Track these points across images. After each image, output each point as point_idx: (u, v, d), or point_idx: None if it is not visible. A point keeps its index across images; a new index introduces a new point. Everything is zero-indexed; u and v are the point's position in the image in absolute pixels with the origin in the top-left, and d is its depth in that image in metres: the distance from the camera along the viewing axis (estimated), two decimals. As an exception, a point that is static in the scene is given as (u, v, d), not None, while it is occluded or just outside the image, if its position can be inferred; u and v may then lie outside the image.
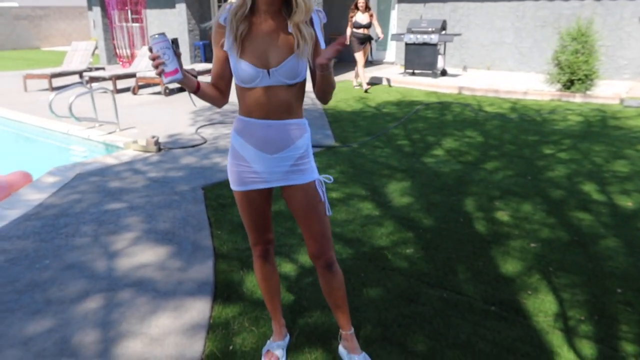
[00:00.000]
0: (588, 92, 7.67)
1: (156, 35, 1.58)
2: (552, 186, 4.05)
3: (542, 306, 2.43)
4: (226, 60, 1.77)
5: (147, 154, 5.15)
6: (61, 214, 3.60)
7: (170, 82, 1.60)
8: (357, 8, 8.66)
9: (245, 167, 1.84)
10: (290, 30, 1.70)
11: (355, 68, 9.19)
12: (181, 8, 12.73)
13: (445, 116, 6.89)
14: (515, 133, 5.83)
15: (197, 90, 1.74)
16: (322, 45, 1.77)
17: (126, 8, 13.62)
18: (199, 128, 6.34)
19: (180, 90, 9.58)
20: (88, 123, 6.38)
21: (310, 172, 1.85)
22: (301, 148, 1.83)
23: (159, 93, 9.24)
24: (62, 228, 3.35)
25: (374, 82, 10.11)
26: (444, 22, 10.20)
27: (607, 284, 2.62)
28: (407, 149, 5.26)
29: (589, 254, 2.93)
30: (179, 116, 7.14)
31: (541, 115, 6.79)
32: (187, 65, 12.27)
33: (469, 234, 3.20)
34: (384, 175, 4.39)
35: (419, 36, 10.12)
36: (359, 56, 8.85)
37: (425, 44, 10.10)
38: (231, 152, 1.88)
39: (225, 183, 4.24)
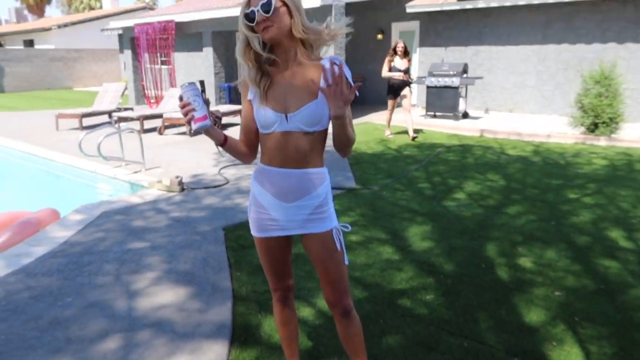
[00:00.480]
0: (613, 135, 7.58)
1: (186, 84, 1.67)
2: (577, 232, 3.96)
3: (568, 358, 2.35)
4: (252, 112, 1.82)
5: (171, 194, 5.25)
6: (85, 251, 3.66)
7: (199, 128, 1.66)
8: (395, 53, 8.19)
9: (264, 214, 1.86)
10: (311, 75, 1.75)
11: (387, 114, 8.67)
12: (208, 52, 13.20)
13: (467, 159, 6.87)
14: (538, 177, 5.77)
15: (224, 143, 1.79)
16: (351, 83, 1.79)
17: (156, 51, 14.18)
18: (221, 169, 6.45)
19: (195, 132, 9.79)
20: (115, 162, 6.56)
21: (329, 221, 1.86)
22: (319, 197, 1.84)
23: (183, 133, 9.48)
24: (85, 266, 3.40)
25: (395, 124, 10.20)
26: (465, 65, 10.33)
27: (637, 336, 2.52)
28: (428, 192, 5.24)
29: (617, 303, 2.83)
30: (203, 157, 7.29)
31: (565, 158, 6.72)
32: (213, 106, 12.61)
33: (490, 280, 3.14)
34: (405, 218, 4.37)
35: (440, 79, 10.26)
36: (392, 104, 8.46)
37: (446, 86, 10.22)
38: (251, 199, 1.92)
39: (246, 224, 4.25)
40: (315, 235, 1.85)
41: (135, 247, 3.74)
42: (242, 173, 6.19)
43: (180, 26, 13.48)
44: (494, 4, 10.61)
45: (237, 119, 11.08)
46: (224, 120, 10.47)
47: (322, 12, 10.32)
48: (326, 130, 1.81)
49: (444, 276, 3.22)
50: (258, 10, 1.66)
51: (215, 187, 5.55)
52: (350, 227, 1.88)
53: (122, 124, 9.52)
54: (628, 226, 4.06)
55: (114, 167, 6.48)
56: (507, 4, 10.43)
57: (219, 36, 13.35)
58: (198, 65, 17.17)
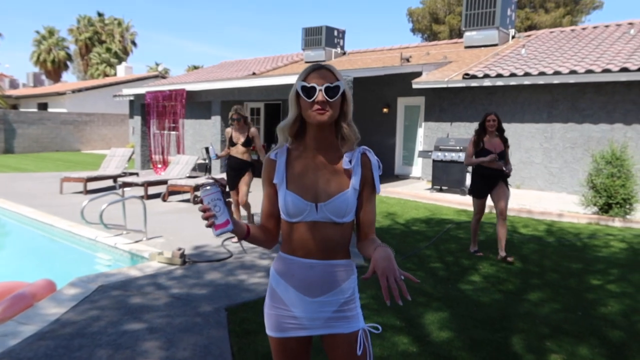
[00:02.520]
0: (628, 217, 7.40)
1: (208, 187, 1.54)
2: (608, 325, 3.68)
3: None
4: (276, 196, 1.68)
5: (172, 267, 5.00)
6: (77, 333, 3.38)
7: (221, 234, 1.55)
8: (484, 130, 5.44)
9: (283, 311, 1.66)
10: (344, 165, 1.63)
11: (472, 222, 5.83)
12: (216, 120, 13.37)
13: (478, 237, 6.65)
14: (555, 259, 5.53)
15: (247, 235, 1.63)
16: (378, 188, 1.67)
17: (165, 117, 14.38)
18: (224, 240, 6.24)
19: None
20: (116, 230, 6.36)
21: (356, 320, 1.66)
22: (347, 292, 1.66)
23: (187, 201, 9.34)
24: (75, 351, 3.11)
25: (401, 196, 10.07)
26: (472, 141, 10.36)
27: None
28: (441, 273, 4.99)
29: (667, 417, 2.52)
30: (202, 227, 7.09)
31: (581, 239, 6.50)
32: (217, 174, 12.58)
33: (521, 383, 2.84)
34: (420, 303, 4.10)
35: (446, 154, 10.27)
36: (480, 205, 5.68)
37: (452, 161, 10.21)
38: (269, 294, 1.72)
39: (250, 305, 4.01)
40: (340, 337, 1.64)
41: (131, 329, 3.45)
42: (246, 246, 5.96)
43: (190, 94, 13.76)
44: (499, 83, 10.82)
45: (242, 187, 10.97)
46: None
47: (331, 86, 10.51)
48: (353, 221, 1.67)
49: (469, 375, 2.92)
50: (321, 90, 1.57)
51: (219, 260, 5.32)
52: (380, 329, 1.66)
53: (127, 189, 9.41)
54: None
55: (115, 235, 6.27)
56: (512, 83, 10.64)
57: (228, 105, 13.57)
58: (205, 132, 17.43)
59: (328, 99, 1.57)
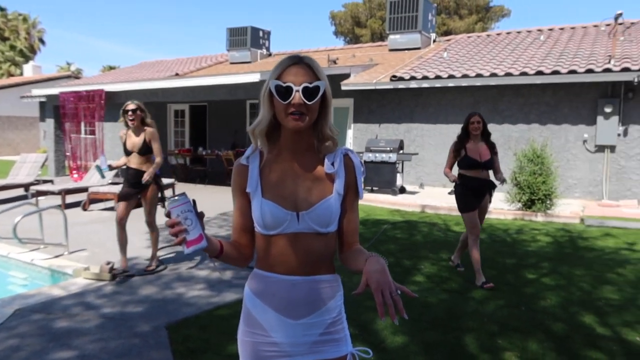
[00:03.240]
0: (548, 212, 7.86)
1: (176, 198, 1.31)
2: (550, 318, 3.80)
3: None
4: (249, 207, 1.48)
5: (101, 283, 4.58)
6: (-7, 368, 2.95)
7: (194, 251, 1.31)
8: (467, 134, 4.68)
9: (262, 337, 1.47)
10: (326, 169, 1.47)
11: (470, 242, 4.69)
12: (139, 122, 12.65)
13: (415, 236, 6.76)
14: (490, 255, 5.71)
15: (220, 253, 1.42)
16: (361, 193, 1.53)
17: (82, 120, 13.41)
18: (158, 250, 5.83)
19: (136, 206, 9.09)
20: (32, 244, 5.75)
21: (344, 343, 1.50)
22: (333, 311, 1.50)
23: (111, 209, 8.71)
24: (-8, 389, 2.70)
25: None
26: (401, 141, 10.59)
27: None
28: (386, 274, 4.96)
29: (619, 406, 2.61)
30: (135, 236, 6.61)
31: (510, 235, 6.79)
32: (143, 179, 11.89)
33: (482, 384, 2.83)
34: (370, 307, 4.02)
35: (377, 155, 10.40)
36: (472, 220, 4.65)
37: (383, 162, 10.35)
38: (244, 318, 1.52)
39: (192, 320, 3.74)
40: None
41: (59, 358, 3.06)
42: (182, 255, 5.62)
43: (109, 95, 12.92)
44: (425, 85, 11.14)
45: (167, 193, 10.44)
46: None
47: (260, 87, 10.29)
48: (336, 230, 1.51)
49: (430, 380, 2.86)
50: (298, 91, 1.37)
51: (153, 273, 4.94)
52: (371, 353, 1.51)
53: (41, 198, 8.61)
54: (597, 310, 3.96)
55: (31, 250, 5.66)
56: (438, 85, 11.00)
57: (151, 106, 12.86)
58: (126, 136, 16.47)
59: (306, 101, 1.38)
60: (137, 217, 8.32)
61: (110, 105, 13.86)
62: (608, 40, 11.80)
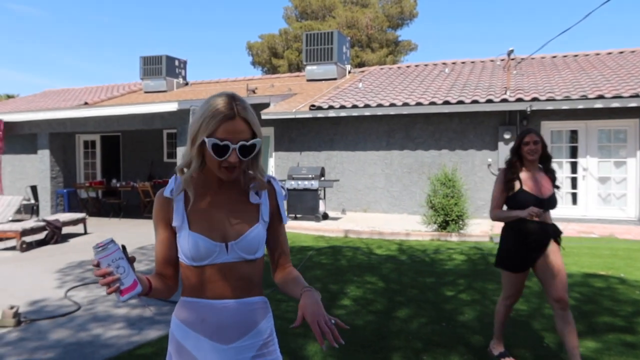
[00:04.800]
0: (462, 231, 8.34)
1: (107, 245, 1.25)
2: (469, 332, 4.01)
3: None
4: (174, 240, 1.47)
5: (3, 330, 4.16)
6: None
7: (129, 299, 1.28)
8: (520, 158, 3.32)
9: None
10: (251, 199, 1.49)
11: (500, 307, 3.50)
12: (44, 154, 11.85)
13: (340, 261, 6.86)
14: (412, 275, 5.93)
15: (149, 290, 1.37)
16: (284, 218, 1.58)
17: (-23, 154, 12.30)
18: (68, 290, 5.44)
19: (42, 243, 8.44)
20: None
21: None
22: (265, 332, 1.52)
23: (13, 248, 8.01)
24: None
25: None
26: (323, 169, 10.79)
27: None
28: (313, 300, 4.98)
29: (535, 409, 2.79)
30: (41, 276, 6.13)
31: (428, 255, 7.10)
32: (48, 214, 11.08)
33: (411, 400, 2.91)
34: (298, 334, 4.01)
35: (300, 182, 10.51)
36: (516, 284, 3.36)
37: (306, 189, 10.47)
38: (174, 349, 1.48)
39: (113, 362, 3.50)
40: None
41: (-45, 417, 2.74)
42: (96, 294, 5.27)
43: (9, 126, 12.01)
44: (342, 114, 11.51)
45: (78, 229, 9.81)
46: (65, 230, 9.18)
47: (178, 116, 10.10)
48: (264, 254, 1.55)
49: (362, 402, 2.89)
50: (235, 150, 1.36)
51: (64, 315, 4.59)
52: None
53: None
54: (509, 321, 4.23)
55: None
56: (355, 114, 11.42)
57: (57, 138, 12.17)
58: (28, 169, 15.33)
59: (242, 158, 1.39)
60: (47, 254, 7.73)
61: (10, 136, 12.89)
62: (503, 73, 12.95)
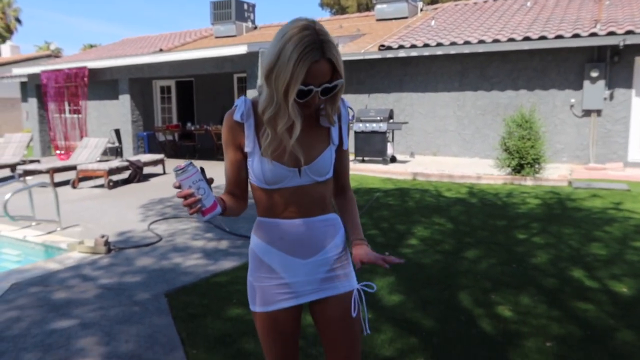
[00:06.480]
0: (537, 175, 7.96)
1: (187, 168, 1.29)
2: (541, 274, 3.90)
3: (588, 422, 2.13)
4: (244, 162, 1.50)
5: (96, 256, 4.58)
6: (-5, 338, 2.96)
7: (210, 219, 1.34)
8: None
9: (272, 280, 1.51)
10: (321, 122, 1.49)
11: None
12: (125, 99, 12.47)
13: (407, 203, 6.82)
14: (482, 218, 5.79)
15: (224, 210, 1.43)
16: (346, 143, 1.57)
17: (66, 99, 13.18)
18: (151, 224, 5.84)
19: (125, 182, 9.06)
20: (24, 222, 5.72)
21: (350, 279, 1.57)
22: (338, 247, 1.56)
23: (101, 186, 8.66)
24: (-4, 358, 2.72)
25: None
26: (391, 111, 10.57)
27: (643, 387, 2.37)
28: (380, 240, 5.03)
29: (609, 350, 2.71)
30: (127, 211, 6.61)
31: (500, 199, 6.88)
32: (131, 156, 11.80)
33: (477, 335, 2.91)
34: (365, 270, 4.09)
35: (367, 125, 10.38)
36: None
37: (374, 132, 10.34)
38: (254, 266, 1.55)
39: (191, 288, 3.77)
40: (332, 299, 1.53)
41: (60, 327, 3.09)
42: (175, 228, 5.63)
43: (93, 73, 12.68)
44: (413, 54, 11.08)
45: (157, 169, 10.40)
46: (145, 170, 9.77)
47: (247, 59, 10.18)
48: (333, 174, 1.57)
49: (427, 334, 2.94)
50: (317, 92, 1.34)
51: (148, 245, 4.96)
52: (375, 287, 1.55)
53: (29, 178, 8.51)
54: (586, 265, 4.07)
55: (22, 227, 5.63)
56: (426, 53, 10.94)
57: (136, 83, 12.71)
58: (112, 114, 16.26)
59: (322, 98, 1.37)
60: (131, 191, 8.30)
61: (94, 83, 13.63)
62: (594, 5, 11.77)
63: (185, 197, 1.29)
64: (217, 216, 1.42)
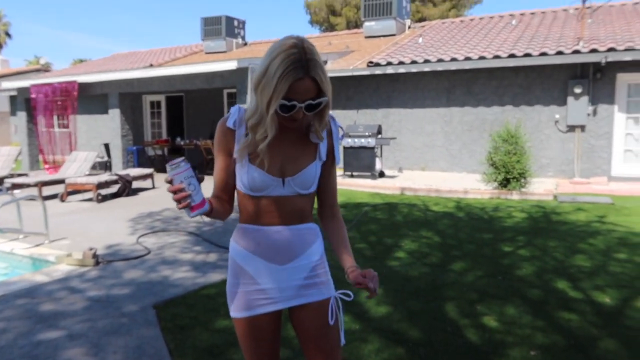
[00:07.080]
0: (523, 190, 8.08)
1: (180, 164, 1.34)
2: (526, 285, 3.96)
3: None
4: (233, 168, 1.56)
5: (84, 269, 4.57)
6: (-20, 350, 2.95)
7: (197, 215, 1.39)
8: None
9: (251, 286, 1.56)
10: (311, 138, 1.55)
11: None
12: (115, 113, 12.48)
13: (395, 217, 6.88)
14: (468, 232, 5.87)
15: (211, 210, 1.47)
16: (338, 158, 1.62)
17: (55, 113, 13.15)
18: (140, 237, 5.83)
19: (114, 196, 9.03)
20: (11, 234, 5.68)
21: (327, 287, 1.62)
22: (316, 254, 1.61)
23: (90, 200, 8.63)
24: (-18, 369, 2.71)
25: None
26: (380, 126, 10.69)
27: (624, 394, 2.43)
28: (368, 253, 5.07)
29: (592, 359, 2.76)
30: (115, 224, 6.59)
31: (487, 213, 6.97)
32: (120, 170, 11.77)
33: (463, 345, 2.95)
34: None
35: (356, 140, 10.48)
36: None
37: (362, 147, 10.44)
38: (232, 272, 1.59)
39: (179, 300, 3.78)
40: (310, 306, 1.58)
41: (47, 338, 3.08)
42: (164, 241, 5.63)
43: (83, 87, 12.68)
44: (401, 70, 11.25)
45: (146, 183, 10.39)
46: (134, 184, 9.75)
47: (237, 75, 10.26)
48: (316, 189, 1.63)
49: (413, 345, 2.97)
50: (301, 108, 1.39)
51: (136, 258, 4.95)
52: (352, 296, 1.60)
53: (17, 191, 8.46)
54: (570, 276, 4.14)
55: (9, 240, 5.60)
56: (414, 70, 11.12)
57: (126, 98, 12.73)
58: (101, 128, 16.23)
59: (307, 113, 1.42)
60: (120, 205, 8.28)
61: (83, 97, 13.63)
62: (577, 23, 12.07)
63: (175, 192, 1.34)
64: (204, 218, 1.47)
